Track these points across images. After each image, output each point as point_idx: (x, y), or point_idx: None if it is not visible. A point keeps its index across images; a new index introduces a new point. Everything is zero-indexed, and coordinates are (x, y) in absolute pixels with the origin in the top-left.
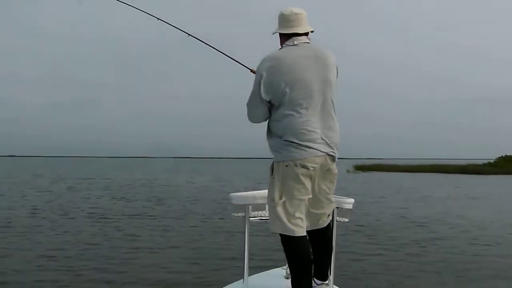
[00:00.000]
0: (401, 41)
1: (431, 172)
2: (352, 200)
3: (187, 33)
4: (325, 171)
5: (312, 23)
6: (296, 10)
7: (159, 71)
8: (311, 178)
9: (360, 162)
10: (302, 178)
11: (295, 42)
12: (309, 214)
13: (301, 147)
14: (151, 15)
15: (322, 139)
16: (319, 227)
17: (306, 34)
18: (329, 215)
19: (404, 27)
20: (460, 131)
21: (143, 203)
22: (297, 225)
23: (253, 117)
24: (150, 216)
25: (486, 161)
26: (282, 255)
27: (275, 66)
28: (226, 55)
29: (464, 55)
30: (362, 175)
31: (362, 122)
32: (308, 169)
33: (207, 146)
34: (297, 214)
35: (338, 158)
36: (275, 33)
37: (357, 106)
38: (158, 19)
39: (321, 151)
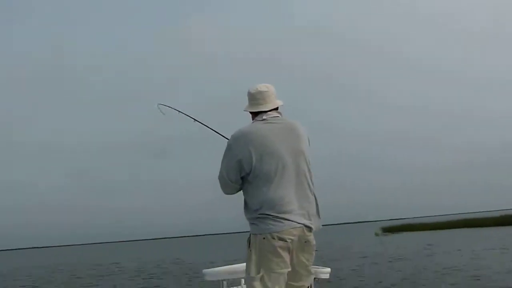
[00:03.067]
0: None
1: (463, 228)
2: (329, 270)
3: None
4: (303, 243)
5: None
6: (261, 88)
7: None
8: (289, 250)
9: (388, 224)
10: (280, 251)
11: (264, 117)
12: (287, 287)
13: (278, 219)
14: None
15: (299, 210)
16: None
17: (275, 108)
18: (308, 287)
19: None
20: (486, 180)
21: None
22: None
23: (226, 190)
24: None
25: None
26: None
27: (245, 141)
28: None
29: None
30: (391, 237)
31: (387, 180)
32: (286, 241)
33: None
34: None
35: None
36: (245, 110)
37: (382, 162)
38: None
39: (298, 223)
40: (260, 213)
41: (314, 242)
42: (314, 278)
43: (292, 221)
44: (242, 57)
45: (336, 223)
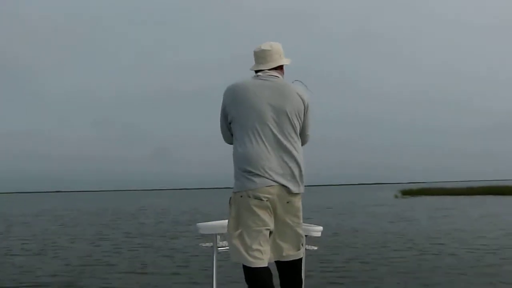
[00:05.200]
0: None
1: (483, 195)
2: (321, 228)
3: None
4: (286, 204)
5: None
6: (265, 46)
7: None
8: (268, 209)
9: (408, 187)
10: (256, 209)
11: (259, 74)
12: (274, 244)
13: (253, 176)
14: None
15: (277, 169)
16: (284, 260)
17: (279, 68)
18: (297, 250)
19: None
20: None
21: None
22: (255, 257)
23: (224, 139)
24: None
25: None
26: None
27: (231, 94)
28: None
29: None
30: (408, 200)
31: (407, 146)
32: (261, 200)
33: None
34: (255, 246)
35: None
36: (250, 69)
37: (409, 124)
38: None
39: (274, 181)
40: (239, 168)
41: (298, 204)
42: (306, 235)
43: (267, 178)
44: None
45: (358, 183)
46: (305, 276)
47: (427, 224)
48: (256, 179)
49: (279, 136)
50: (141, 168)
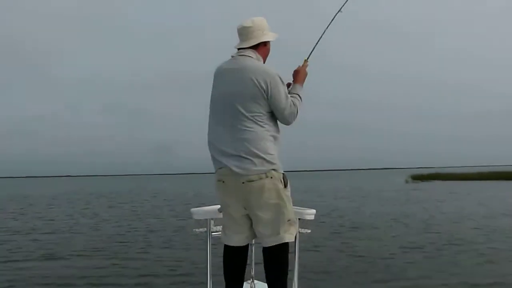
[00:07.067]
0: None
1: (492, 180)
2: (314, 211)
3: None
4: (242, 185)
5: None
6: (246, 23)
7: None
8: (229, 191)
9: (418, 172)
10: (218, 191)
11: (233, 55)
12: (251, 228)
13: (213, 160)
14: None
15: (232, 151)
16: (264, 246)
17: (262, 44)
18: (275, 235)
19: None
20: None
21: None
22: (225, 234)
23: None
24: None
25: None
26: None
27: (214, 78)
28: None
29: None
30: (418, 185)
31: (419, 129)
32: (221, 181)
33: None
34: (226, 224)
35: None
36: (235, 47)
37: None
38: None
39: (224, 163)
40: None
41: (268, 186)
42: (299, 218)
43: (219, 161)
44: None
45: (368, 167)
46: (299, 258)
47: (434, 207)
48: (214, 163)
49: (236, 118)
50: (150, 153)
